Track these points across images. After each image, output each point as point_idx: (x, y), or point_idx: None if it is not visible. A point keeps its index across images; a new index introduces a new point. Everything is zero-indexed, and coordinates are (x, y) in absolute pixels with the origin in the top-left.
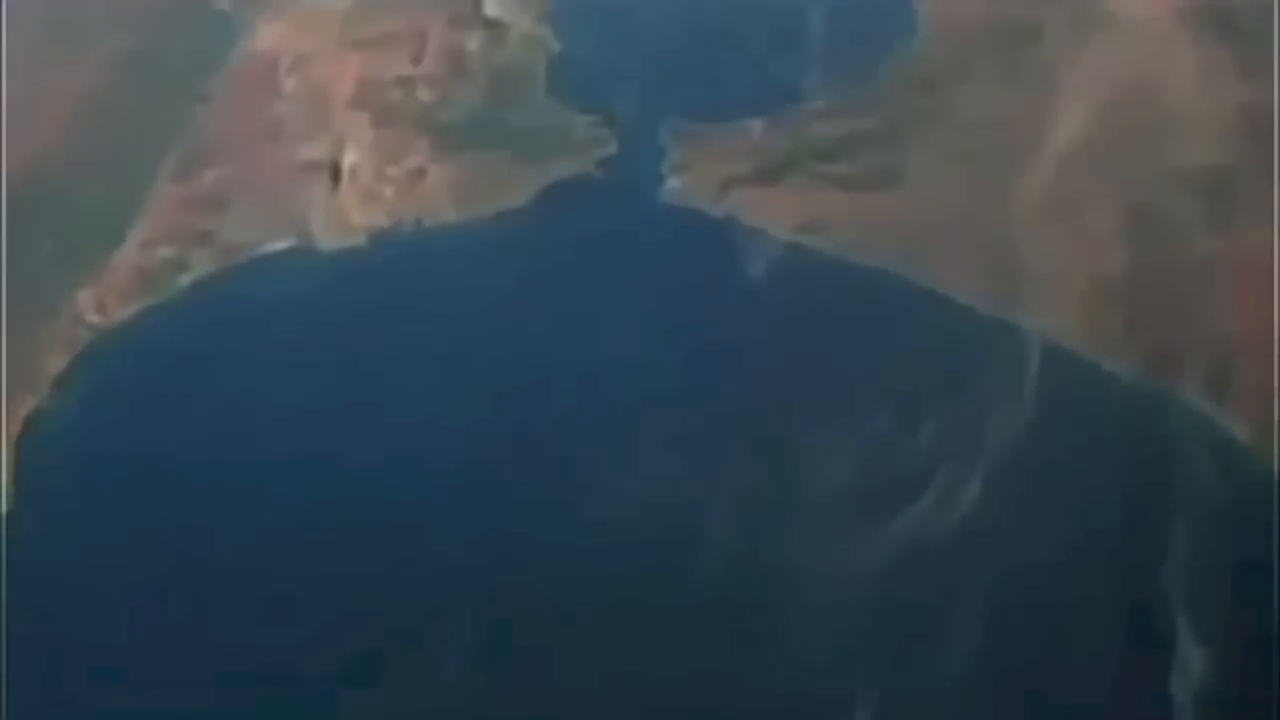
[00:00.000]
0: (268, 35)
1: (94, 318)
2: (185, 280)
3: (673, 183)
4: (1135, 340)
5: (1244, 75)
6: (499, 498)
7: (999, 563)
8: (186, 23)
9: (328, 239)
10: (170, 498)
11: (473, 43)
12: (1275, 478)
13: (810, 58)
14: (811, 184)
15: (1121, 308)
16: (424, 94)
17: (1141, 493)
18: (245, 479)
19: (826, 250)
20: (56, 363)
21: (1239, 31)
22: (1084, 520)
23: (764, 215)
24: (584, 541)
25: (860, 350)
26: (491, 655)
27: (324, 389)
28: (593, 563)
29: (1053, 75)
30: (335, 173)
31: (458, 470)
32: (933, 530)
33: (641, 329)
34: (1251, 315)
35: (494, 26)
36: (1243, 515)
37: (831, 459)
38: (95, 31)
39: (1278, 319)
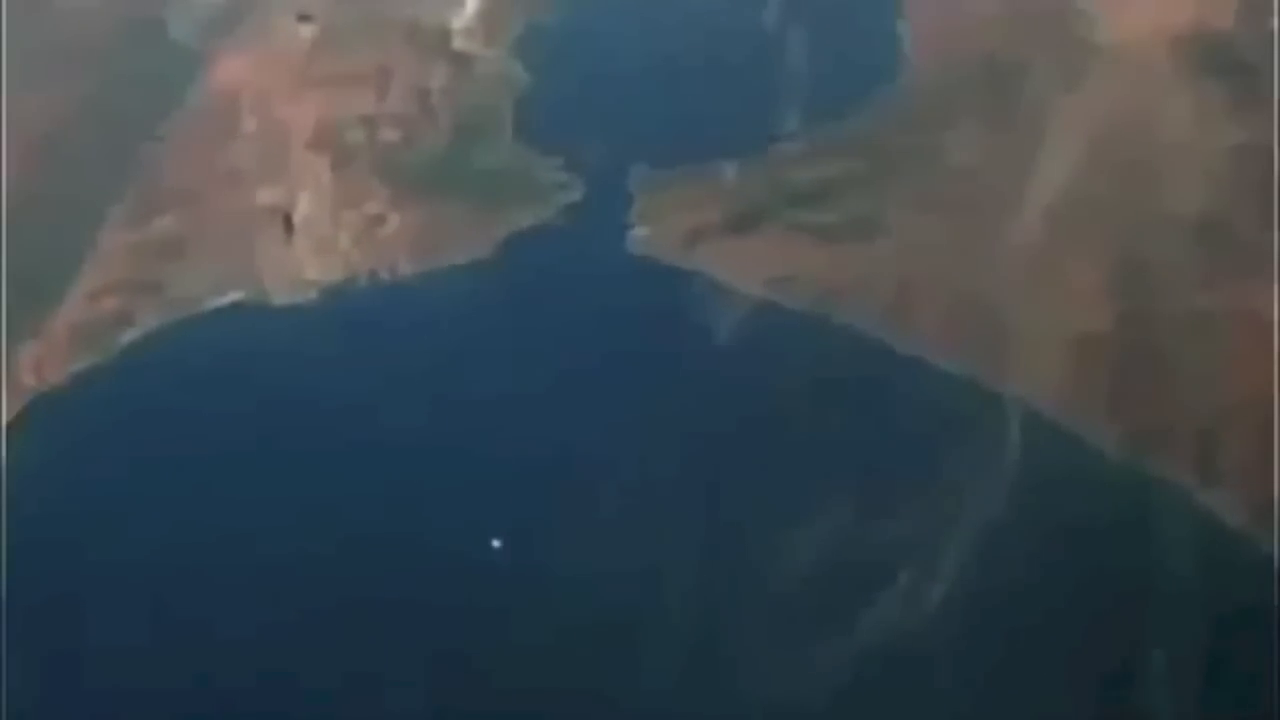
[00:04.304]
0: (228, 70)
1: (30, 380)
2: (127, 338)
3: (639, 232)
4: (1121, 408)
5: (1240, 114)
6: (453, 561)
7: (970, 660)
8: (145, 57)
9: (280, 292)
10: (113, 569)
11: (439, 79)
12: (1276, 567)
13: (788, 96)
14: (785, 234)
15: (1107, 372)
16: (387, 134)
17: (1123, 586)
18: (193, 548)
19: (798, 308)
20: None
21: (1235, 67)
22: (1062, 615)
23: (735, 268)
24: (536, 609)
25: (830, 421)
26: None
27: (274, 459)
28: (545, 632)
29: (1041, 115)
30: (288, 222)
31: (414, 533)
32: (902, 624)
33: (603, 393)
34: (1247, 380)
35: (462, 60)
36: (1233, 609)
37: (795, 542)
38: (52, 67)
39: (1278, 385)
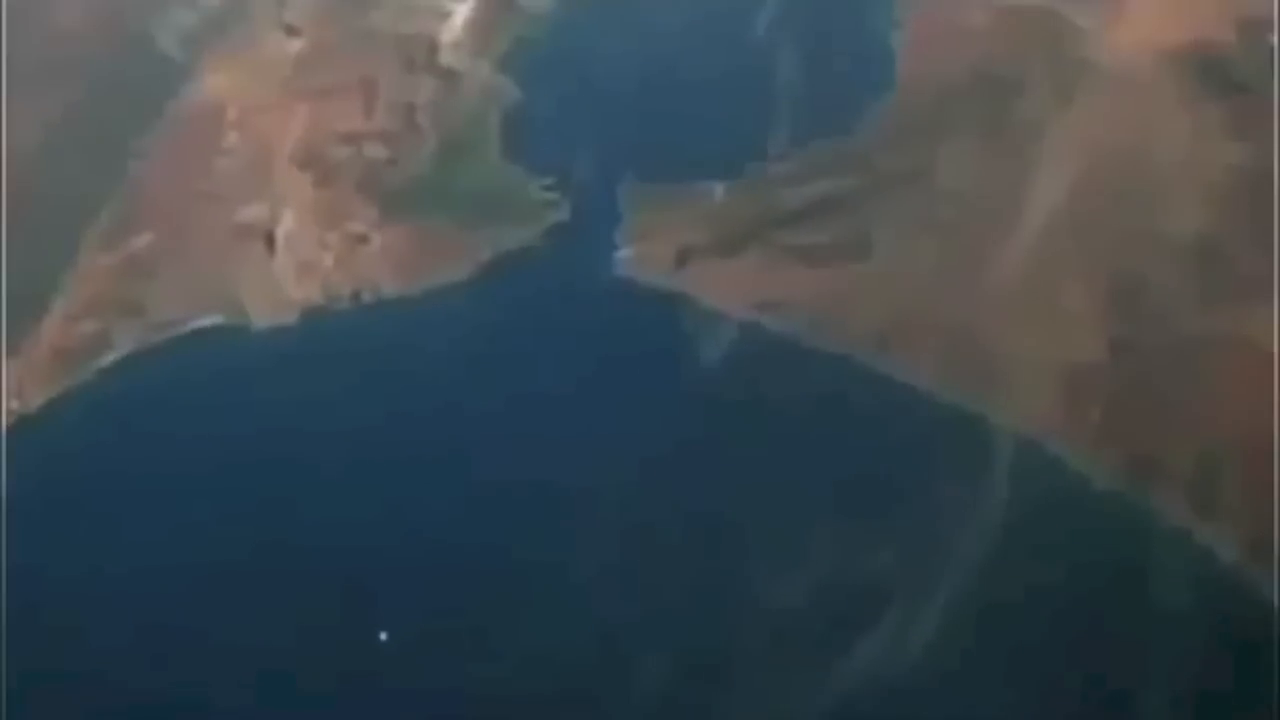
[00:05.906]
0: (213, 83)
1: (12, 403)
2: (107, 360)
3: (626, 253)
4: (1113, 438)
5: (1238, 133)
6: (433, 580)
7: (963, 692)
8: (130, 70)
9: (260, 313)
10: (98, 583)
11: (426, 93)
12: (1276, 603)
13: (779, 114)
14: (773, 256)
15: (1100, 400)
16: (372, 151)
17: (1116, 623)
18: (174, 568)
19: (784, 333)
20: None
21: (1233, 85)
22: (1052, 654)
23: (721, 290)
24: (519, 637)
25: (818, 447)
26: None
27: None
28: (528, 660)
29: (1035, 134)
30: (270, 241)
31: (395, 560)
32: (894, 654)
33: (587, 418)
34: (1245, 409)
35: (449, 75)
36: (1231, 645)
37: (784, 569)
38: (38, 80)
39: (1278, 412)
